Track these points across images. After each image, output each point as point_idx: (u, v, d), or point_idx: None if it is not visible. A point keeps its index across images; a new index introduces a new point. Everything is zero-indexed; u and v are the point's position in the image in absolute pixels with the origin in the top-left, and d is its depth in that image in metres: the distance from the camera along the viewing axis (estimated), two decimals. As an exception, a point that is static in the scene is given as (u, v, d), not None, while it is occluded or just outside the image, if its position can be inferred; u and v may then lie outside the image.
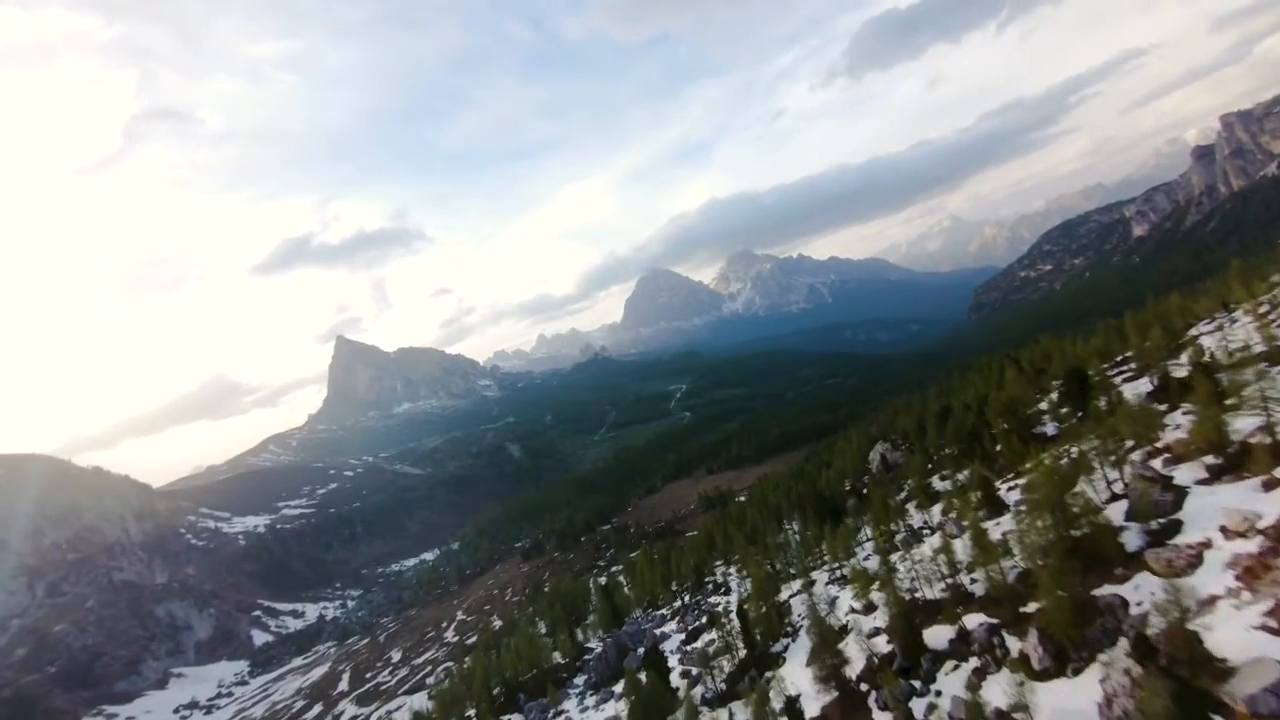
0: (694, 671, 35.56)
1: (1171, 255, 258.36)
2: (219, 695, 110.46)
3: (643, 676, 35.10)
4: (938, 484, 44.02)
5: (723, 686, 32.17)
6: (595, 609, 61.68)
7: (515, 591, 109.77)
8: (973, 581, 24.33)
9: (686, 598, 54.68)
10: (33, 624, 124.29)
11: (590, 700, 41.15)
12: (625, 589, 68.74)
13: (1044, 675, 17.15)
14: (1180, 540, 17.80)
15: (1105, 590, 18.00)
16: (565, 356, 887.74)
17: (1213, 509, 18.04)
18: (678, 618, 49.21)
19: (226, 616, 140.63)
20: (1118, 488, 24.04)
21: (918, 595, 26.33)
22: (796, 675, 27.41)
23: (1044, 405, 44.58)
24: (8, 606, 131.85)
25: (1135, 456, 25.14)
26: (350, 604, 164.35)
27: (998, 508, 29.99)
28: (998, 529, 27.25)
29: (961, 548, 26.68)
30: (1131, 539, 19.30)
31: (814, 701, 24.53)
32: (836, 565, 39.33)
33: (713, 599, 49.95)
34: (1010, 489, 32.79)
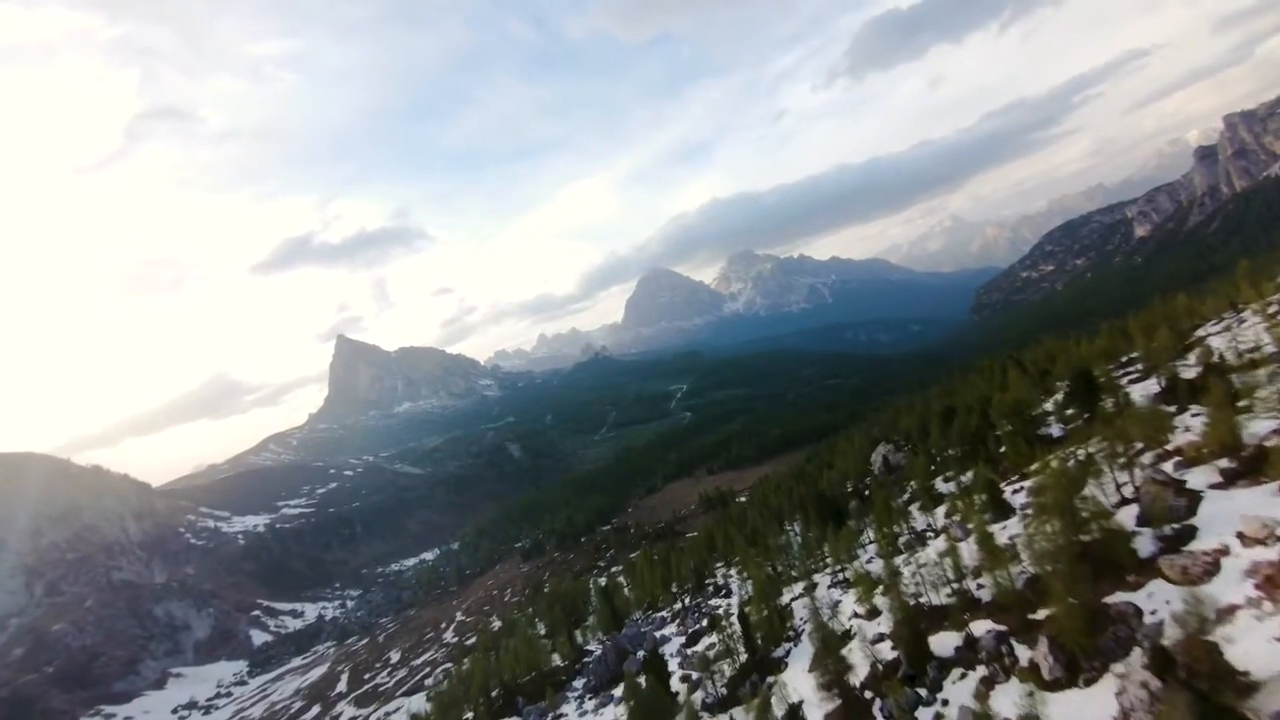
0: (694, 676, 35.07)
1: (1174, 256, 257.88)
2: (217, 695, 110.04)
3: (642, 680, 34.64)
4: (941, 486, 43.46)
5: (723, 691, 31.69)
6: (595, 611, 61.22)
7: (515, 592, 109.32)
8: (979, 587, 23.79)
9: (687, 600, 54.18)
10: (31, 623, 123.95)
11: (589, 704, 40.65)
12: (625, 590, 68.24)
13: (1055, 685, 16.65)
14: (1195, 547, 17.28)
15: (1117, 598, 17.49)
16: (566, 356, 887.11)
17: (1229, 514, 17.51)
18: (678, 620, 48.72)
19: (225, 616, 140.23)
20: (1127, 491, 23.52)
21: (923, 600, 25.81)
22: (799, 681, 26.92)
23: (1049, 406, 44.06)
24: (6, 606, 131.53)
25: (1145, 459, 24.61)
26: (349, 604, 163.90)
27: (1003, 511, 29.46)
28: (1004, 532, 26.71)
29: (967, 551, 26.18)
30: (1144, 545, 18.78)
31: (817, 709, 24.03)
32: (839, 568, 38.83)
33: (713, 601, 49.46)
34: (1015, 491, 32.26)
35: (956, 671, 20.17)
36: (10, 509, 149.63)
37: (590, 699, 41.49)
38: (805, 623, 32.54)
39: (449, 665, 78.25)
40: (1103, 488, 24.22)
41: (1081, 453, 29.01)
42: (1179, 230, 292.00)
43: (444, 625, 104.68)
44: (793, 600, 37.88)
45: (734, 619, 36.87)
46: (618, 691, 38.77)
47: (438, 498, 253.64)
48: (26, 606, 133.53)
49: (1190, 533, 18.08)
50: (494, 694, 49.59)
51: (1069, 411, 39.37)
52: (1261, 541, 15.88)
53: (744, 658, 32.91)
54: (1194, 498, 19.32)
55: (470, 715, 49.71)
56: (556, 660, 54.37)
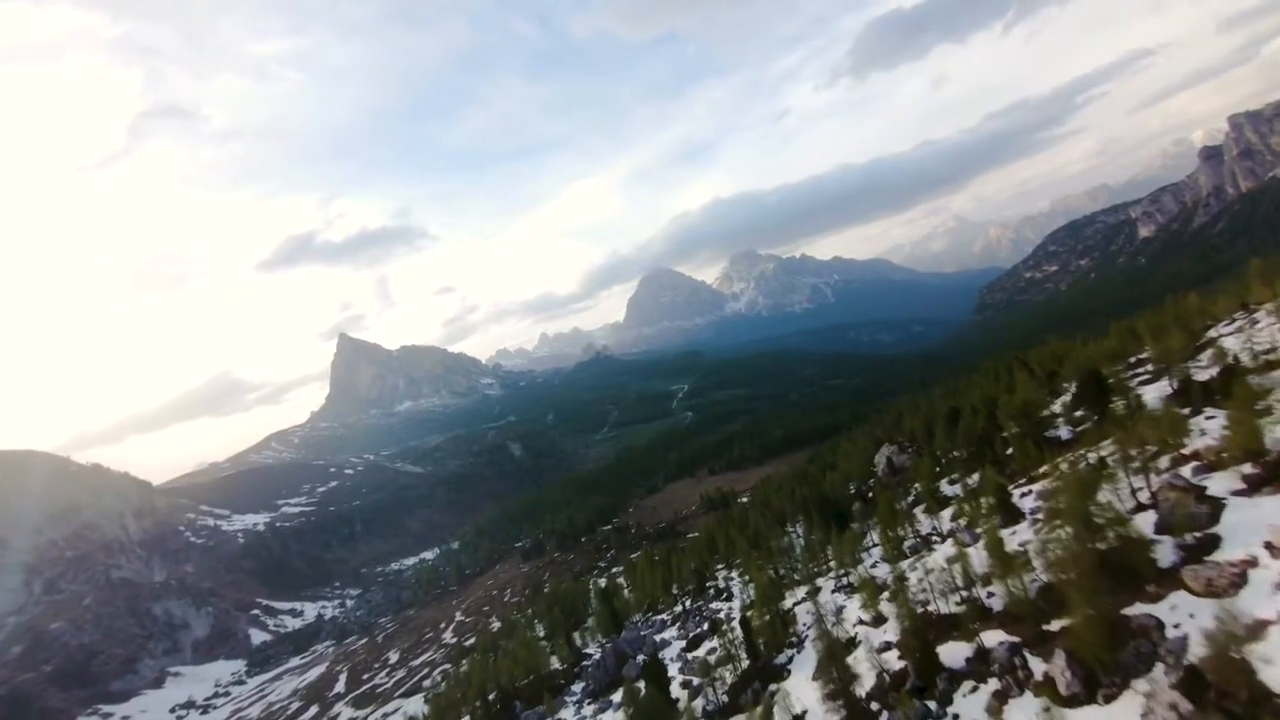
0: (695, 682, 34.33)
1: (1178, 256, 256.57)
2: (215, 695, 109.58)
3: (641, 686, 33.93)
4: (946, 489, 42.74)
5: (724, 698, 30.93)
6: (594, 612, 60.55)
7: (514, 592, 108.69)
8: (990, 595, 23.02)
9: (687, 602, 53.43)
10: (29, 621, 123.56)
11: (588, 709, 39.97)
12: (625, 592, 67.57)
13: (1072, 701, 15.88)
14: (1220, 557, 16.48)
15: (1137, 609, 16.70)
16: (567, 355, 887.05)
17: (1255, 523, 16.71)
18: (678, 623, 48.01)
19: (225, 615, 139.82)
20: (1143, 497, 22.74)
21: (930, 608, 25.05)
22: (802, 690, 26.16)
23: (1056, 408, 43.20)
24: (4, 604, 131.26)
25: (1162, 463, 23.80)
26: (349, 603, 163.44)
27: (1012, 515, 28.68)
28: (1014, 538, 25.92)
29: (976, 558, 25.41)
30: (1164, 554, 17.99)
31: (821, 720, 23.28)
32: (842, 572, 38.05)
33: (714, 604, 48.73)
34: (1024, 495, 31.47)
35: (967, 684, 19.40)
36: (10, 507, 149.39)
37: (589, 704, 40.81)
38: (808, 629, 31.81)
39: (447, 666, 77.62)
40: (1117, 493, 23.41)
41: (1093, 456, 28.25)
42: (1183, 231, 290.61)
43: (443, 625, 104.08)
44: (795, 605, 37.12)
45: (735, 623, 36.16)
46: (617, 697, 38.05)
47: (438, 497, 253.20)
48: (25, 604, 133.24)
49: (1213, 542, 17.29)
50: (491, 697, 48.91)
51: (1078, 413, 38.55)
52: (1291, 552, 15.11)
53: (746, 664, 32.17)
54: (1216, 505, 18.52)
55: (467, 719, 49.06)
56: (555, 663, 53.72)
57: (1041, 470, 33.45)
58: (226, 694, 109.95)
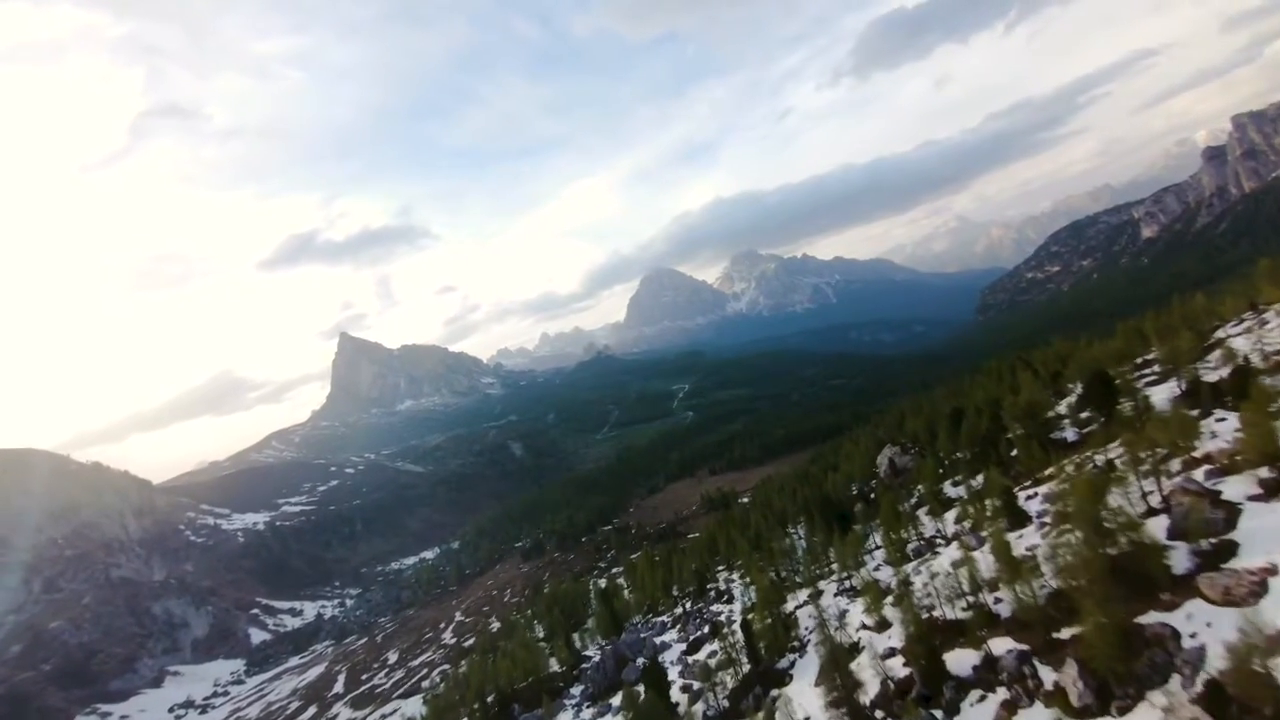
0: (695, 686, 33.86)
1: (1181, 257, 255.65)
2: (214, 694, 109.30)
3: (641, 690, 33.48)
4: (950, 490, 42.23)
5: (725, 703, 30.46)
6: (594, 614, 60.11)
7: (514, 592, 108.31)
8: (997, 601, 22.51)
9: (688, 604, 52.99)
10: (29, 620, 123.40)
11: (587, 713, 39.52)
12: (625, 593, 67.13)
13: (1084, 713, 15.39)
14: (1238, 564, 15.98)
15: (1152, 618, 16.21)
16: (569, 355, 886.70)
17: (1274, 530, 16.23)
18: (678, 626, 47.58)
19: (224, 614, 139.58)
20: (1154, 500, 22.23)
21: (935, 613, 24.55)
22: (804, 696, 25.67)
23: (1062, 409, 42.68)
24: (4, 602, 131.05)
25: (1173, 467, 23.30)
26: (349, 603, 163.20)
27: (1019, 519, 28.18)
28: (1020, 542, 25.41)
29: (983, 562, 24.89)
30: (1179, 560, 17.48)
31: (824, 728, 22.80)
32: (845, 575, 37.55)
33: (715, 607, 48.28)
34: (1030, 498, 30.97)
35: (975, 693, 18.91)
36: (10, 505, 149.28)
37: (588, 707, 40.36)
38: (810, 633, 31.34)
39: (446, 667, 77.22)
40: (1127, 496, 22.89)
41: (1101, 458, 27.75)
42: (1186, 231, 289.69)
43: (443, 626, 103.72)
44: (797, 608, 36.65)
45: (736, 626, 35.69)
46: (616, 700, 37.60)
47: (439, 496, 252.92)
48: (24, 603, 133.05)
49: (1230, 548, 16.78)
50: (490, 699, 48.49)
51: (1084, 415, 38.05)
52: (1313, 560, 14.61)
53: (747, 668, 31.71)
54: (1232, 510, 18.01)
55: (466, 721, 48.67)
56: (554, 665, 53.27)
57: (1047, 472, 32.93)
58: (225, 693, 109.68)
